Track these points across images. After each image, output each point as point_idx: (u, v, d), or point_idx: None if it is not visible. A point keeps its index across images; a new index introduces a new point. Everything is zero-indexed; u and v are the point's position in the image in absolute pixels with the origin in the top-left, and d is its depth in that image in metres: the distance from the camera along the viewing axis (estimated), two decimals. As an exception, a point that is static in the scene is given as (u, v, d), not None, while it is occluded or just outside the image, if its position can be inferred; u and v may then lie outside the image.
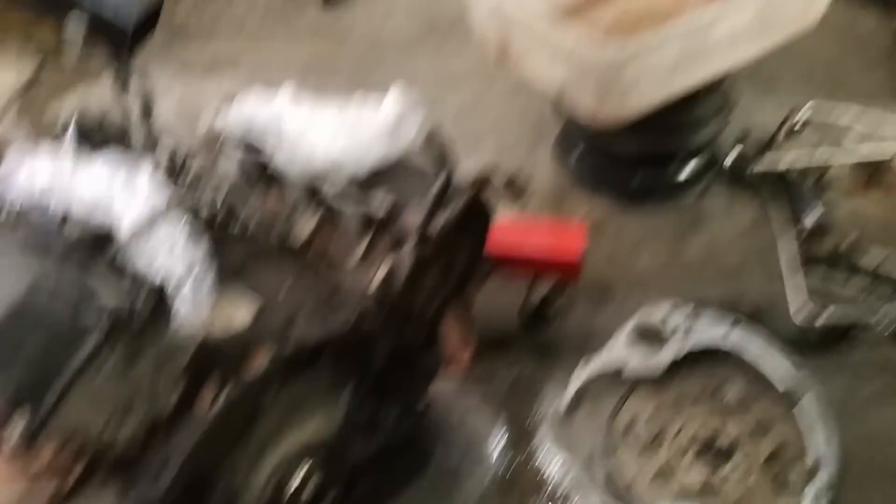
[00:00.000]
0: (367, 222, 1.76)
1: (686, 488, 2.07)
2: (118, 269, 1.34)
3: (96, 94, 3.28)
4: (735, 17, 2.35)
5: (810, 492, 2.00)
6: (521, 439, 2.25)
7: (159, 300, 1.36)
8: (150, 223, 1.41)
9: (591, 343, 2.39)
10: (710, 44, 2.35)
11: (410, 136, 1.82)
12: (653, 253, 2.71)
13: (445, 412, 2.29)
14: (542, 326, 2.47)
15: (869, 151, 2.80)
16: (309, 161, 1.79)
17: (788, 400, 2.18)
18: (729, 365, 2.30)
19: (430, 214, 1.72)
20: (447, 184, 1.75)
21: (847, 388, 2.25)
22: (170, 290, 1.37)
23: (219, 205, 1.79)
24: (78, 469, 1.75)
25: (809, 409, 2.14)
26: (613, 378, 2.31)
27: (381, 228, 1.77)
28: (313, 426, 1.71)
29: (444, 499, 2.14)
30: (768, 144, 2.82)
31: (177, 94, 2.99)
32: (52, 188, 1.52)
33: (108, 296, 1.29)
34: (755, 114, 3.00)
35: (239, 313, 1.50)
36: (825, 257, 2.53)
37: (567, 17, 2.62)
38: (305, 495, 1.69)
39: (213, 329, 1.44)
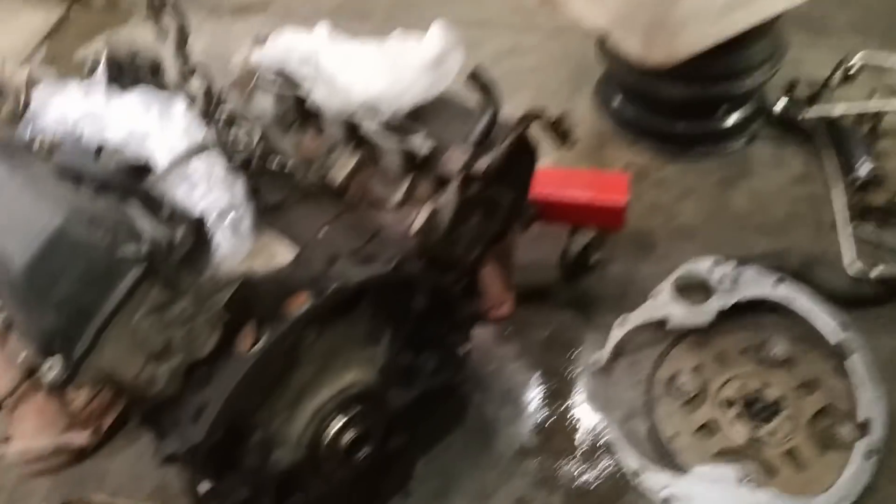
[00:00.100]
0: (409, 162, 1.70)
1: (729, 445, 2.01)
2: (156, 200, 1.28)
3: (125, 36, 3.21)
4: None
5: (859, 450, 1.93)
6: (559, 391, 2.20)
7: (199, 234, 1.30)
8: (187, 156, 1.34)
9: (631, 294, 2.33)
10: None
11: (453, 72, 1.73)
12: (697, 203, 2.62)
13: (483, 362, 2.25)
14: (582, 277, 2.40)
15: (925, 100, 2.68)
16: (348, 97, 1.71)
17: (837, 356, 2.10)
18: (776, 319, 2.22)
19: (475, 154, 1.64)
20: (493, 122, 1.67)
21: (899, 344, 2.17)
22: (209, 224, 1.30)
23: (254, 144, 1.73)
24: (113, 413, 1.72)
25: (859, 365, 2.06)
26: (655, 330, 2.24)
27: (423, 168, 1.70)
28: (351, 374, 1.66)
29: (480, 450, 2.09)
30: (820, 91, 2.70)
31: (206, 37, 2.92)
32: (85, 120, 1.46)
33: (147, 227, 1.22)
34: (806, 60, 2.88)
35: (279, 253, 1.44)
36: (878, 208, 2.44)
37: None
38: (343, 445, 1.65)
39: (253, 268, 1.38)
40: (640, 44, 2.26)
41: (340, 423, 1.63)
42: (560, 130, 1.75)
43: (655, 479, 1.94)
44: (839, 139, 2.59)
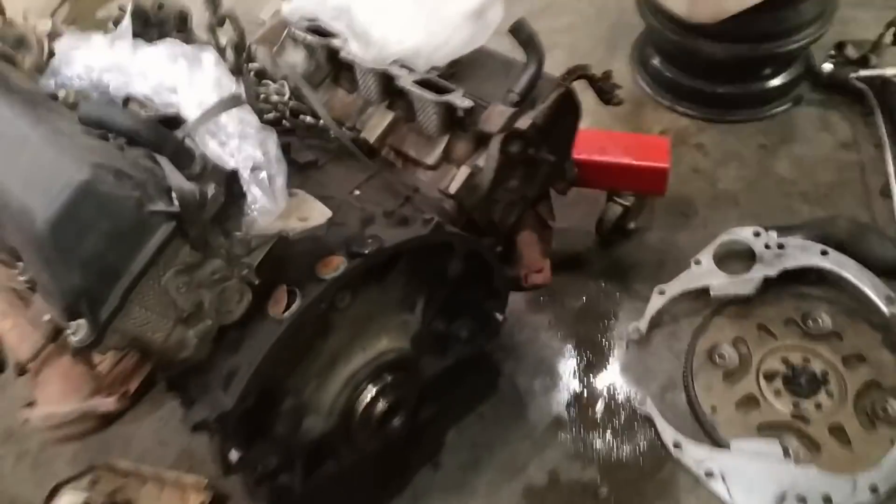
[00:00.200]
0: (447, 119, 1.63)
1: (772, 419, 1.94)
2: (186, 155, 1.21)
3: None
4: None
5: (910, 425, 1.85)
6: (594, 362, 2.14)
7: (230, 191, 1.23)
8: (218, 109, 1.27)
9: (670, 263, 2.26)
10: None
11: (494, 24, 1.65)
12: (738, 169, 2.53)
13: (515, 331, 2.19)
14: (619, 244, 2.33)
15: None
16: (382, 51, 1.63)
17: (885, 329, 2.02)
18: (821, 290, 2.14)
19: (518, 111, 1.57)
20: (536, 77, 1.59)
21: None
22: (242, 180, 1.24)
23: (285, 100, 1.65)
24: (139, 377, 1.68)
25: (911, 338, 1.98)
26: (695, 300, 2.17)
27: (461, 126, 1.63)
28: (385, 341, 1.62)
29: (513, 421, 2.03)
30: (871, 51, 2.58)
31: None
32: (110, 72, 1.39)
33: (177, 182, 1.16)
34: (855, 20, 2.77)
35: (313, 213, 1.37)
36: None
37: None
38: (376, 413, 1.61)
39: (287, 228, 1.31)
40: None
41: (374, 392, 1.59)
42: (605, 88, 1.67)
43: (695, 453, 1.88)
44: (891, 102, 2.47)
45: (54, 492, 2.00)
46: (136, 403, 1.93)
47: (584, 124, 1.73)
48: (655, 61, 2.77)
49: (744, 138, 2.60)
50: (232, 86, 1.33)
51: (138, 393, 1.82)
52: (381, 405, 1.61)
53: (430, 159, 1.65)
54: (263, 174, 1.25)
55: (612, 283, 2.28)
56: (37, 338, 1.32)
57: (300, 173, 1.55)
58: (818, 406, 1.93)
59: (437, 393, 1.82)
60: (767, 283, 2.12)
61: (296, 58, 1.79)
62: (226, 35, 1.71)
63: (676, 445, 1.90)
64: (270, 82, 1.72)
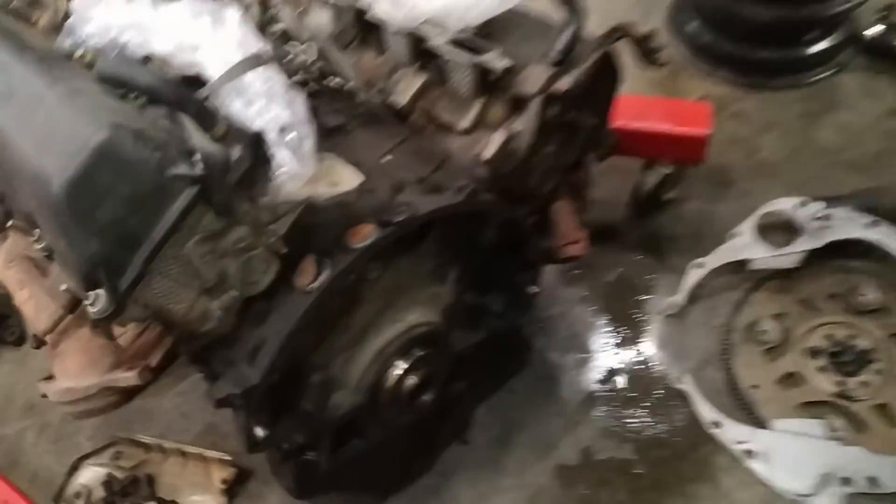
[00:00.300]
0: (481, 81, 1.55)
1: (815, 397, 1.87)
2: (209, 115, 1.14)
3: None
4: None
5: (961, 404, 1.79)
6: (629, 337, 2.09)
7: (256, 154, 1.17)
8: (243, 68, 1.20)
9: (708, 235, 2.19)
10: None
11: (532, -20, 1.56)
12: (779, 137, 2.44)
13: (547, 305, 2.14)
14: (655, 215, 2.26)
15: None
16: (413, 10, 1.55)
17: (937, 303, 1.94)
18: (867, 263, 2.06)
19: (557, 72, 1.49)
20: (575, 37, 1.51)
21: None
22: (268, 143, 1.17)
23: (311, 63, 1.58)
24: (162, 350, 1.63)
25: (961, 313, 1.91)
26: (734, 274, 2.11)
27: (496, 89, 1.55)
28: (415, 314, 1.57)
29: (544, 397, 1.99)
30: (921, 13, 2.47)
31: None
32: (129, 30, 1.32)
33: (200, 144, 1.09)
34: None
35: (343, 179, 1.30)
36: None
37: None
38: (406, 389, 1.57)
39: (315, 194, 1.24)
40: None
41: (403, 367, 1.55)
42: (649, 49, 1.59)
43: (734, 432, 1.83)
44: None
45: (76, 466, 2.00)
46: (158, 377, 1.90)
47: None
48: (693, 25, 2.67)
49: (785, 106, 2.52)
50: (257, 44, 1.27)
51: (160, 366, 1.79)
52: (410, 380, 1.57)
53: (464, 124, 1.58)
54: (291, 136, 1.19)
55: (648, 256, 2.22)
56: (54, 308, 1.27)
57: (327, 138, 1.47)
58: (864, 384, 1.87)
59: (468, 368, 1.77)
60: (811, 256, 2.05)
61: (321, 19, 1.71)
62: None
63: (715, 424, 1.85)
64: (296, 44, 1.64)
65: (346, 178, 1.33)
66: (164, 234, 1.13)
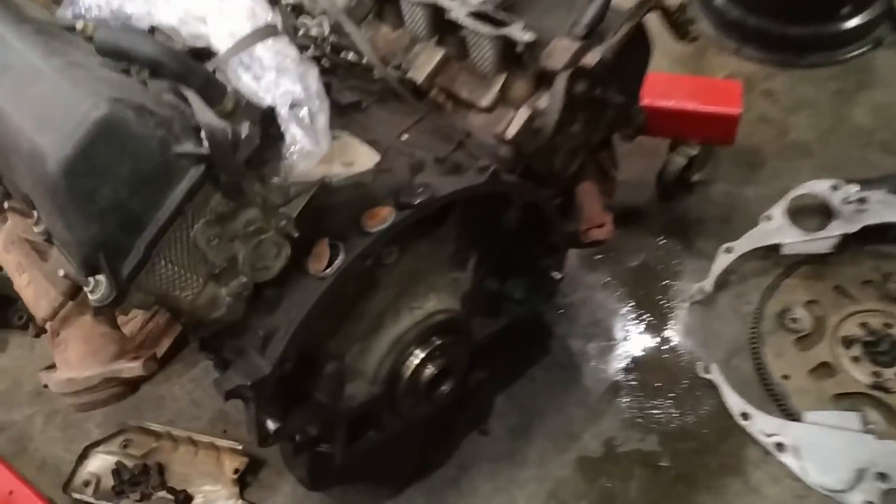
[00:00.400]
0: (504, 56, 1.50)
1: (849, 389, 1.82)
2: (217, 89, 1.08)
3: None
4: None
5: None
6: (654, 324, 2.04)
7: (267, 130, 1.11)
8: (253, 39, 1.14)
9: (736, 218, 2.15)
10: None
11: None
12: (811, 117, 2.39)
13: (568, 291, 2.09)
14: (681, 198, 2.21)
15: None
16: (433, -24, 1.48)
17: (978, 289, 1.89)
18: (905, 247, 2.01)
19: (585, 45, 1.43)
20: (604, 8, 1.46)
21: None
22: (279, 119, 1.10)
23: (325, 37, 1.54)
24: (170, 339, 1.58)
25: None
26: (765, 259, 2.06)
27: (520, 63, 1.50)
28: (434, 301, 1.52)
29: (566, 386, 1.94)
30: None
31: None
32: (132, 0, 1.25)
33: (206, 120, 1.03)
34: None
35: (359, 158, 1.24)
36: None
37: None
38: (424, 379, 1.53)
39: (330, 173, 1.18)
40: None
41: (422, 356, 1.51)
42: (680, 21, 1.52)
43: (764, 424, 1.79)
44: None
45: (85, 453, 1.97)
46: (166, 366, 1.85)
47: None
48: (721, 0, 2.60)
49: (817, 84, 2.47)
50: (268, 15, 1.20)
51: (167, 356, 1.74)
52: (429, 370, 1.53)
53: (485, 101, 1.53)
54: (304, 111, 1.13)
55: (674, 240, 2.18)
56: (55, 295, 1.22)
57: (342, 116, 1.44)
58: (902, 374, 1.81)
59: (488, 357, 1.73)
60: (845, 241, 2.00)
61: (337, -15, 1.64)
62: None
63: (744, 416, 1.81)
64: (309, 17, 1.58)
65: (362, 158, 1.27)
66: (169, 217, 1.07)
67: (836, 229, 1.99)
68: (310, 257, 1.24)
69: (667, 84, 2.03)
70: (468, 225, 1.50)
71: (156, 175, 1.05)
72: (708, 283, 2.03)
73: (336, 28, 1.58)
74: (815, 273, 2.01)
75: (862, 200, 2.01)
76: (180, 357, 2.04)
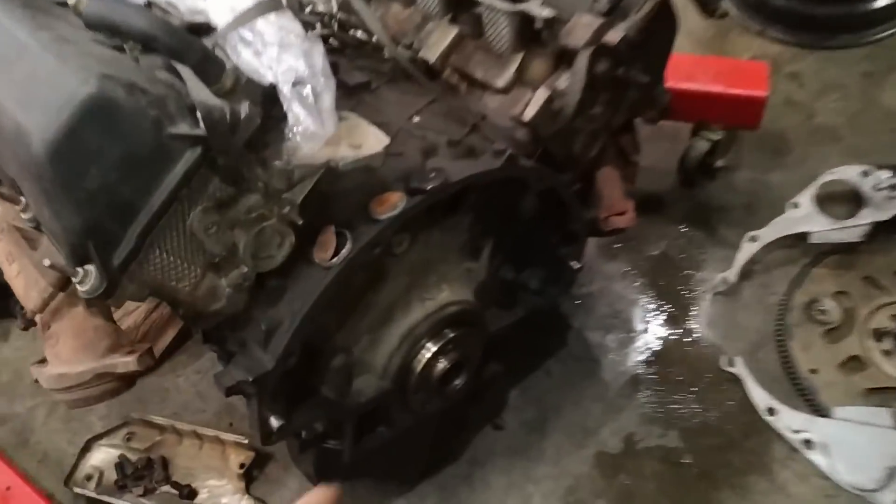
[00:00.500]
0: (521, 33, 1.45)
1: (881, 383, 1.76)
2: (215, 65, 1.02)
3: None
4: None
5: None
6: (676, 315, 1.99)
7: (268, 110, 1.06)
8: (255, 12, 1.08)
9: (762, 206, 2.10)
10: None
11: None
12: (839, 100, 2.34)
13: (586, 281, 2.06)
14: (704, 184, 2.16)
15: None
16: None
17: None
18: (938, 236, 1.96)
19: (607, 22, 1.38)
20: (629, -19, 1.40)
21: None
22: (282, 98, 1.04)
23: (334, 10, 1.52)
24: (172, 332, 1.53)
25: None
26: (792, 248, 2.01)
27: (538, 41, 1.45)
28: (446, 292, 1.48)
29: (583, 380, 1.90)
30: None
31: None
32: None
33: (203, 99, 0.97)
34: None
35: (368, 139, 1.18)
36: None
37: None
38: (436, 374, 1.49)
39: (337, 156, 1.12)
40: None
41: (433, 349, 1.47)
42: (706, -2, 1.45)
43: (791, 420, 1.74)
44: None
45: (88, 446, 1.95)
46: (171, 357, 1.80)
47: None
48: (744, -21, 2.55)
49: (846, 66, 2.41)
50: (269, -8, 1.13)
51: (172, 346, 1.68)
52: (441, 364, 1.48)
53: (501, 81, 1.48)
54: (308, 90, 1.07)
55: (696, 229, 2.14)
56: (44, 285, 1.16)
57: (350, 97, 1.40)
58: (936, 368, 1.76)
59: (503, 349, 1.69)
60: (876, 230, 1.94)
61: (344, -34, 1.59)
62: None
63: (769, 411, 1.77)
64: (316, -7, 1.54)
65: (371, 140, 1.21)
66: (163, 203, 1.02)
67: (866, 217, 1.93)
68: (315, 246, 1.19)
69: (689, 65, 1.97)
70: (483, 212, 1.46)
71: (148, 158, 1.00)
72: (732, 273, 1.98)
73: (344, 5, 1.54)
74: (844, 263, 1.96)
75: (894, 187, 1.94)
76: (185, 348, 2.02)
